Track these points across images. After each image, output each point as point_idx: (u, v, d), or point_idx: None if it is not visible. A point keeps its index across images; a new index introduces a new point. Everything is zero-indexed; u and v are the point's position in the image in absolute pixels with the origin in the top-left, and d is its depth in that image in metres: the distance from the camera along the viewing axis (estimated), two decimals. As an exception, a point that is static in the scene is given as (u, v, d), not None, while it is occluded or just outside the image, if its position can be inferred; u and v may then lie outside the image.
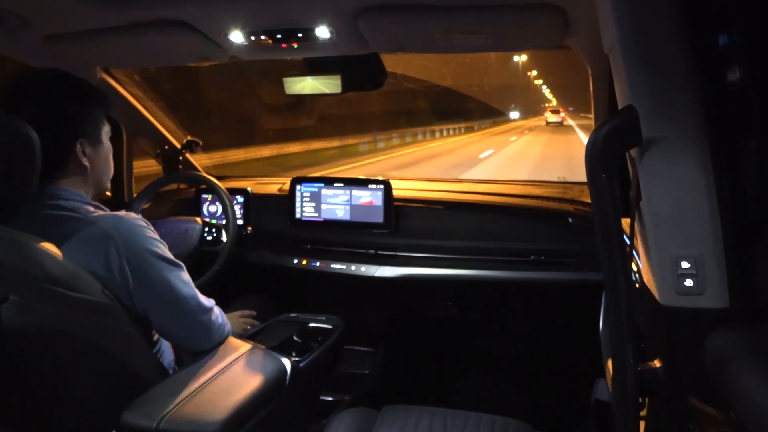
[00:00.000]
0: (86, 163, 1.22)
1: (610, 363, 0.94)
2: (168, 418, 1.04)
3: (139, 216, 1.22)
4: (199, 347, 1.28)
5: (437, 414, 1.42)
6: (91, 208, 1.19)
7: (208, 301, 1.30)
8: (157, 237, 1.22)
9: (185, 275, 1.25)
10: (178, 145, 2.50)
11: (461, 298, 2.15)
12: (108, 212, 1.20)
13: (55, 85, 1.22)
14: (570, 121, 38.56)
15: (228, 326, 1.37)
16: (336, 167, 12.27)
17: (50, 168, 1.14)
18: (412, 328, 2.36)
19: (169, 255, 1.22)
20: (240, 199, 2.31)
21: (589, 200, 1.99)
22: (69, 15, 1.52)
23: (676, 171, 0.84)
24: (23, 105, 1.14)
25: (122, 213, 1.20)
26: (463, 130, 31.98)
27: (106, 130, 1.30)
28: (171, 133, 2.49)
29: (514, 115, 61.40)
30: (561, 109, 43.26)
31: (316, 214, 2.19)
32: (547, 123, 38.09)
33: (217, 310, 1.33)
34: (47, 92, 1.20)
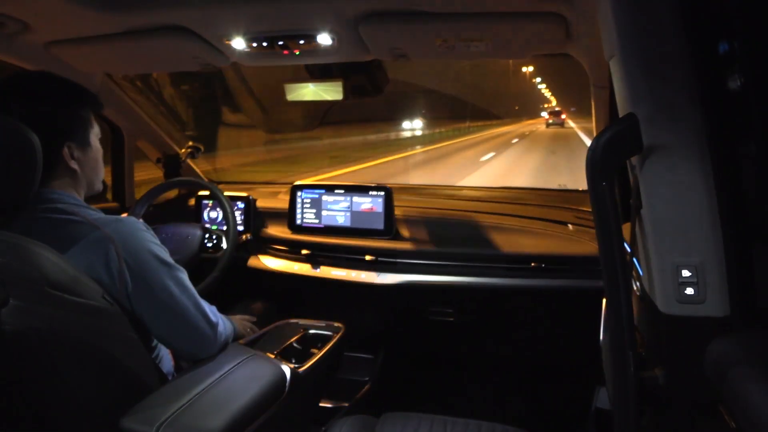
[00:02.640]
0: (75, 166, 1.21)
1: (610, 370, 0.94)
2: (167, 425, 1.03)
3: (140, 220, 1.22)
4: (199, 355, 1.26)
5: (437, 421, 1.41)
6: (91, 212, 1.19)
7: (209, 308, 1.28)
8: (158, 241, 1.22)
9: (186, 281, 1.24)
10: (180, 151, 2.51)
11: (461, 304, 2.14)
12: (108, 216, 1.19)
13: (45, 87, 1.21)
14: (571, 123, 38.02)
15: (229, 330, 1.36)
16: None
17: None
18: (412, 334, 2.36)
19: (170, 260, 1.22)
20: (241, 205, 2.32)
21: (589, 208, 1.99)
22: (71, 21, 1.52)
23: (677, 178, 0.84)
24: (11, 106, 1.13)
25: (123, 216, 1.20)
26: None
27: (95, 132, 1.29)
28: (172, 138, 2.49)
29: (410, 125, 25.49)
30: (562, 110, 42.40)
31: (317, 221, 2.19)
32: (548, 125, 37.58)
33: (219, 318, 1.31)
34: (36, 94, 1.18)
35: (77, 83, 1.26)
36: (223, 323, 1.33)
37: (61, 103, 1.21)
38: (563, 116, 39.46)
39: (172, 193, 2.57)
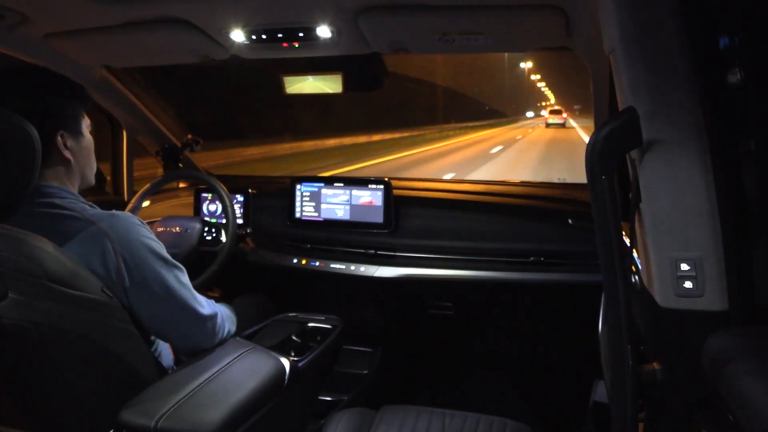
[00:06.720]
0: (68, 156, 1.22)
1: (608, 364, 0.94)
2: (166, 417, 1.03)
3: (135, 215, 1.22)
4: (197, 349, 1.27)
5: (435, 414, 1.42)
6: (87, 206, 1.19)
7: (207, 302, 1.28)
8: (153, 236, 1.22)
9: (183, 276, 1.24)
10: (179, 144, 2.50)
11: (460, 298, 2.15)
12: (103, 211, 1.19)
13: (37, 80, 1.23)
14: (572, 122, 37.62)
15: (228, 325, 1.36)
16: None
17: None
18: (411, 328, 2.36)
19: (166, 254, 1.22)
20: (240, 198, 2.31)
21: (589, 201, 1.99)
22: (70, 13, 1.52)
23: (676, 173, 0.84)
24: (5, 99, 1.14)
25: (117, 211, 1.20)
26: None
27: (86, 124, 1.30)
28: (171, 131, 2.49)
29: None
30: (562, 109, 41.76)
31: (316, 214, 2.19)
32: (547, 125, 37.31)
33: (218, 310, 1.31)
34: (29, 86, 1.20)
35: (65, 76, 1.27)
36: (222, 313, 1.33)
37: (55, 94, 1.22)
38: (564, 115, 38.93)
39: (172, 187, 2.57)
